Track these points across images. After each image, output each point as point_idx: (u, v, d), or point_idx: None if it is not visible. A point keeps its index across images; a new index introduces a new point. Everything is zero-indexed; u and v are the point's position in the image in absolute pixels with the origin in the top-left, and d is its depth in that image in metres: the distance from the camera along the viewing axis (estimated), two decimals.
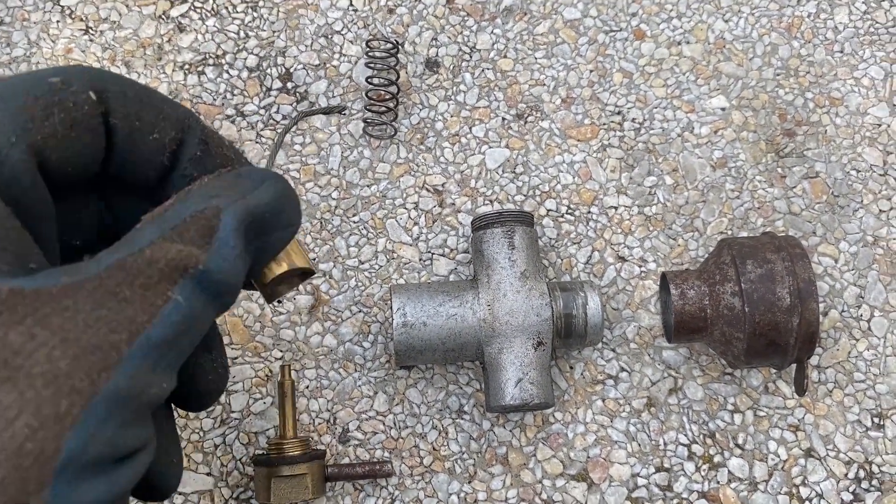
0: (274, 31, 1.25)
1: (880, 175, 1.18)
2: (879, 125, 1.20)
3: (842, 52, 1.24)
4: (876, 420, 1.07)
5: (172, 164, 0.52)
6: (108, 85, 0.49)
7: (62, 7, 1.27)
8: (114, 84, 0.49)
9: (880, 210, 1.16)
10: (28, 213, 0.45)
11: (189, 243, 0.46)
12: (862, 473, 1.05)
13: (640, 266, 1.13)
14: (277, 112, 1.21)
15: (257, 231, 0.49)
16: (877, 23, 1.25)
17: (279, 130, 1.06)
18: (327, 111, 1.09)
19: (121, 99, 0.49)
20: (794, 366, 1.05)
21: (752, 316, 0.93)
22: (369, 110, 1.19)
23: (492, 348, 0.95)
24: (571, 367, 1.09)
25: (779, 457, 1.06)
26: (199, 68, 1.23)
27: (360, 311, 1.10)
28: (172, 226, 0.46)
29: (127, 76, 0.54)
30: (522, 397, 0.96)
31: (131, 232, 0.46)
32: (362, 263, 1.13)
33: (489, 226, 1.00)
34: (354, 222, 1.14)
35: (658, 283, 1.12)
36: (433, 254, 1.12)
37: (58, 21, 1.26)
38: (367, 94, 1.19)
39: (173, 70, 1.23)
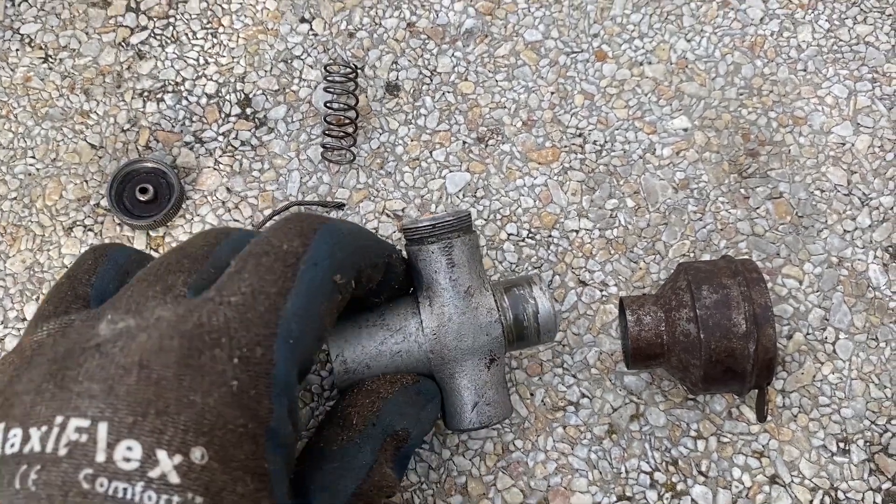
0: (233, 58, 1.23)
1: (844, 195, 1.15)
2: (843, 144, 1.18)
3: (805, 70, 1.22)
4: (841, 445, 1.05)
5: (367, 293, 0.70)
6: (359, 266, 0.62)
7: (21, 35, 1.25)
8: (360, 265, 0.62)
9: (845, 230, 1.14)
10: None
11: (388, 461, 0.62)
12: (827, 500, 1.02)
13: (601, 290, 1.11)
14: (236, 138, 1.19)
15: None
16: (840, 41, 1.23)
17: (266, 214, 1.08)
18: (324, 204, 1.10)
19: (361, 276, 0.63)
20: (755, 391, 1.03)
21: (707, 343, 0.91)
22: (328, 135, 1.17)
23: (443, 374, 0.91)
24: (532, 394, 1.06)
25: (743, 484, 1.03)
26: (159, 95, 1.22)
27: None
28: (380, 444, 0.61)
29: (371, 238, 0.69)
30: (481, 421, 0.92)
31: (349, 444, 0.60)
32: None
33: (422, 241, 0.85)
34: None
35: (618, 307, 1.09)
36: None
37: (17, 49, 1.24)
38: (325, 119, 1.17)
39: (132, 97, 1.21)
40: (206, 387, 0.43)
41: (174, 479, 0.40)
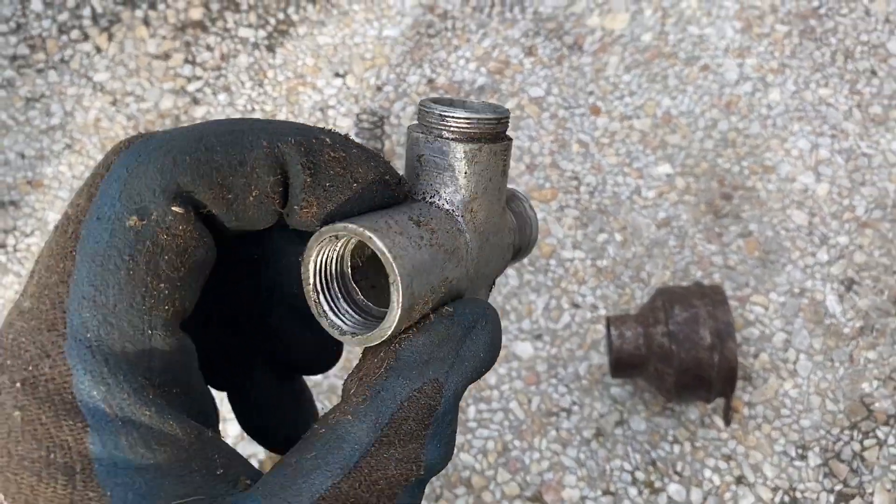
0: (276, 105, 1.41)
1: (806, 234, 1.31)
2: (806, 190, 1.34)
3: (774, 126, 1.39)
4: (800, 451, 1.18)
5: (284, 203, 0.38)
6: (183, 179, 0.35)
7: (94, 83, 1.44)
8: (187, 174, 0.35)
9: (806, 265, 1.29)
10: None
11: (407, 438, 0.36)
12: (787, 499, 1.16)
13: (591, 312, 1.26)
14: None
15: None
16: (805, 101, 1.40)
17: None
18: None
19: (206, 189, 0.36)
20: (722, 400, 1.17)
21: (678, 353, 1.06)
22: None
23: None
24: (529, 400, 1.21)
25: (713, 483, 1.17)
26: None
27: (344, 349, 1.24)
28: (388, 418, 0.36)
29: (198, 136, 0.36)
30: None
31: (336, 421, 0.36)
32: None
33: (478, 139, 0.45)
34: None
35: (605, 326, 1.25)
36: None
37: (90, 94, 1.43)
38: None
39: None
40: None
41: None
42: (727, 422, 1.08)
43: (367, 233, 0.35)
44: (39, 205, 1.34)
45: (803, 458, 1.16)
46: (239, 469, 0.35)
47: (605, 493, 1.15)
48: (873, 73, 1.39)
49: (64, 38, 1.45)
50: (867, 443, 1.16)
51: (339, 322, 0.37)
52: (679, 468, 1.16)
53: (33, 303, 0.34)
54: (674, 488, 1.16)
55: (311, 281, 0.37)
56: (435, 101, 0.41)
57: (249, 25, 1.45)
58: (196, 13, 1.47)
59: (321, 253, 0.37)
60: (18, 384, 0.33)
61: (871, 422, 1.17)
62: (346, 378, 0.38)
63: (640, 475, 1.16)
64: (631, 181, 1.34)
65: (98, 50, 1.44)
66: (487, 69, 1.40)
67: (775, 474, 1.16)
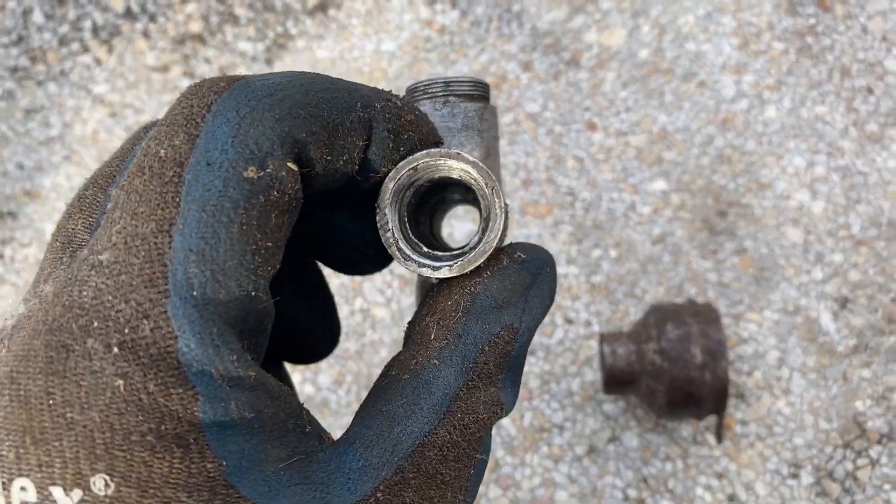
0: None
1: (801, 252, 1.31)
2: (801, 208, 1.34)
3: (770, 143, 1.39)
4: (792, 470, 1.18)
5: (361, 166, 0.38)
6: (300, 135, 0.33)
7: (93, 95, 1.44)
8: (303, 129, 0.34)
9: (800, 283, 1.29)
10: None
11: (488, 381, 0.37)
12: None
13: (585, 328, 1.26)
14: None
15: None
16: (801, 119, 1.41)
17: None
18: None
19: (316, 148, 0.35)
20: (715, 418, 1.17)
21: (670, 371, 1.06)
22: None
23: None
24: (521, 416, 1.21)
25: (705, 501, 1.17)
26: None
27: (336, 363, 1.24)
28: (473, 362, 0.37)
29: (313, 83, 0.35)
30: None
31: (421, 366, 0.36)
32: (340, 320, 1.27)
33: (471, 98, 0.48)
34: (336, 285, 1.29)
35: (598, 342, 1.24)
36: (404, 314, 1.26)
37: (89, 106, 1.44)
38: None
39: None
40: (83, 397, 0.31)
41: None
42: (719, 439, 1.08)
43: (477, 161, 0.37)
44: (37, 215, 1.34)
45: (796, 476, 1.16)
46: (315, 424, 0.33)
47: None
48: (870, 90, 1.39)
49: (64, 50, 1.46)
50: (860, 462, 1.16)
51: (433, 255, 0.37)
52: (671, 485, 1.16)
53: (118, 255, 0.31)
54: None
55: (397, 228, 0.37)
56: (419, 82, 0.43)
57: (248, 39, 1.46)
58: (195, 26, 1.48)
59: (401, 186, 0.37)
60: (116, 349, 0.30)
61: (864, 441, 1.17)
62: (410, 322, 0.38)
63: (631, 492, 1.16)
64: (626, 197, 1.34)
65: (98, 62, 1.45)
66: None
67: (767, 492, 1.16)
